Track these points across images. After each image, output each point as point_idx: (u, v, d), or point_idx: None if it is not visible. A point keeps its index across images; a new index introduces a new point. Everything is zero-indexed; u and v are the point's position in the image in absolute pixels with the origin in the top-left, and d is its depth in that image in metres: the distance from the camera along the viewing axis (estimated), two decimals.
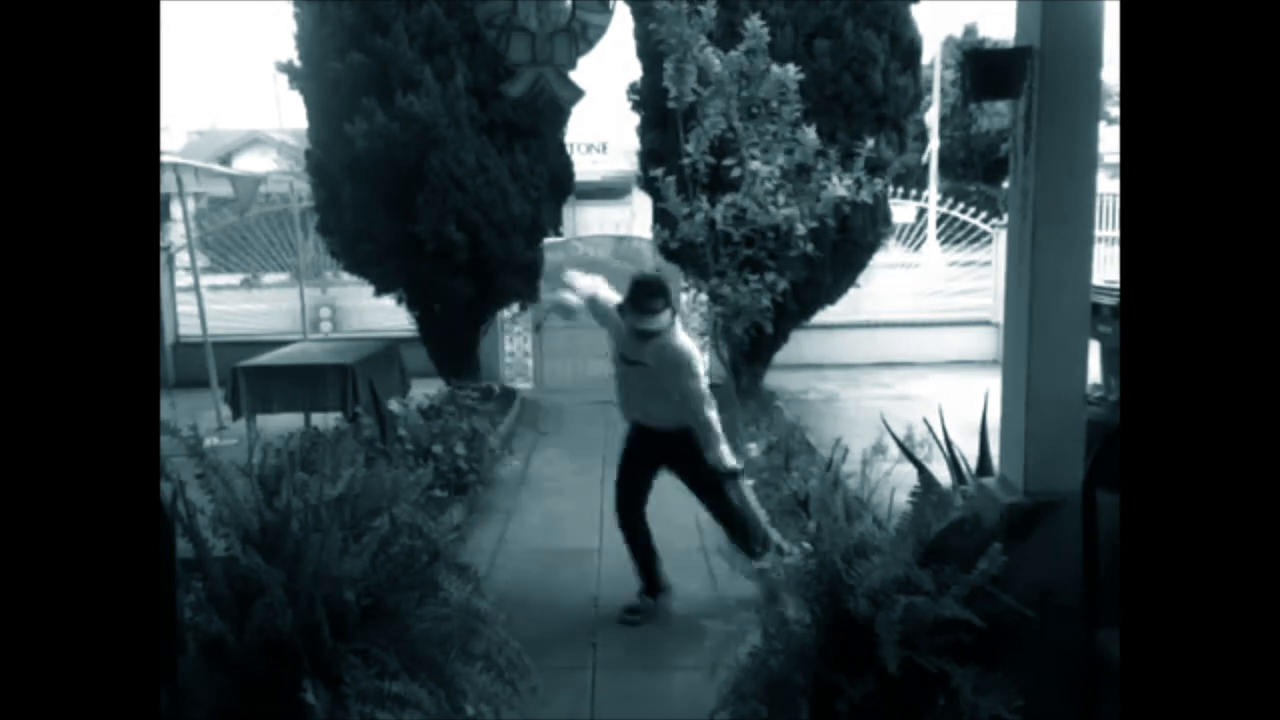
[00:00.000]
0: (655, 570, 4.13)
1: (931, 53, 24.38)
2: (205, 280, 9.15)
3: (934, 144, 23.54)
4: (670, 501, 5.72)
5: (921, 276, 11.34)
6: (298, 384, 6.69)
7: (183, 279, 10.21)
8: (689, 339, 4.00)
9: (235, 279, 11.49)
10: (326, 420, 6.60)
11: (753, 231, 6.59)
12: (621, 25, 7.02)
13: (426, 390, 7.47)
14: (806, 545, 2.80)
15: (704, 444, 3.85)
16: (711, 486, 4.01)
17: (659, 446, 4.05)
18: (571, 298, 4.11)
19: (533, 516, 5.44)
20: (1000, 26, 26.65)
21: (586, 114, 10.46)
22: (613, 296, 4.04)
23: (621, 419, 4.21)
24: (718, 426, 3.87)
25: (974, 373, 9.00)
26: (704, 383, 3.86)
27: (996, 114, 24.74)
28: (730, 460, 3.91)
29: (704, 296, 7.20)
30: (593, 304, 4.12)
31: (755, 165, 6.37)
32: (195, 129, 32.28)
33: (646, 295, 3.78)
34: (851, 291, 8.56)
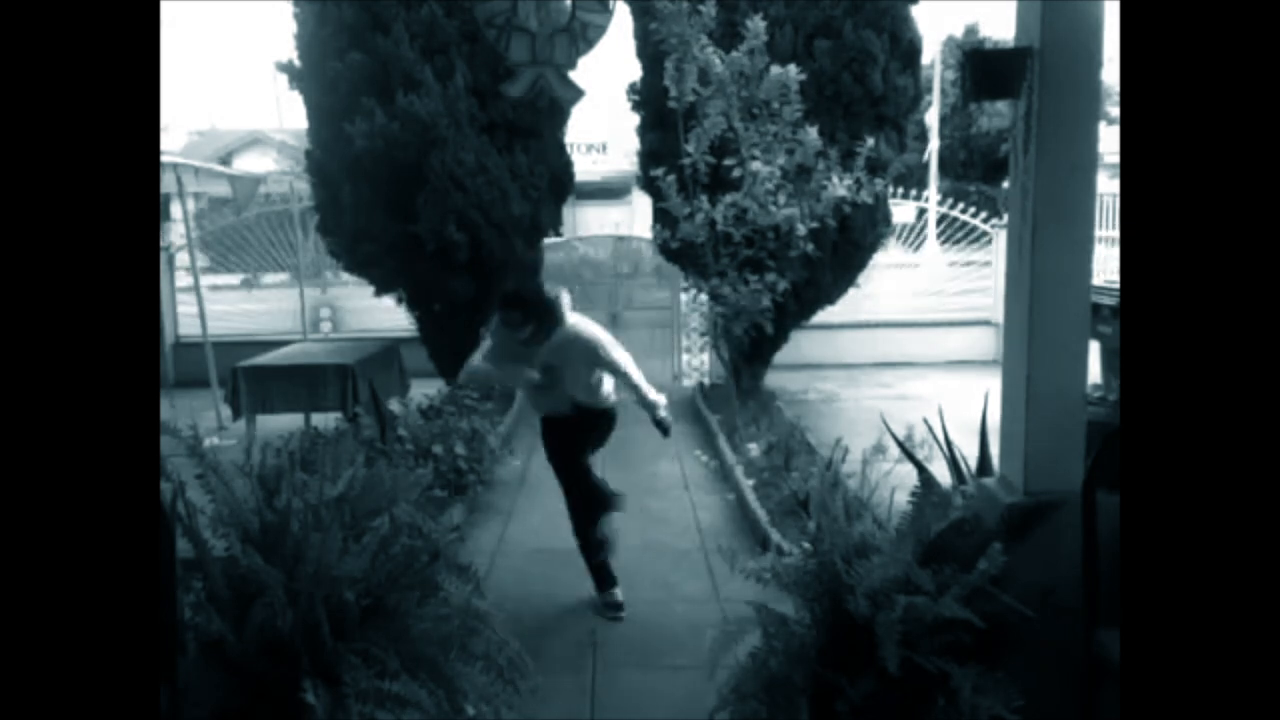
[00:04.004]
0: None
1: (931, 53, 24.40)
2: (205, 280, 9.15)
3: (934, 144, 23.55)
4: (668, 503, 5.73)
5: (921, 276, 11.35)
6: (298, 384, 6.69)
7: (183, 279, 10.21)
8: (588, 323, 4.05)
9: (235, 279, 11.48)
10: (326, 420, 6.59)
11: (753, 231, 6.59)
12: (621, 25, 7.03)
13: (426, 390, 7.46)
14: (806, 545, 2.80)
15: (641, 403, 3.97)
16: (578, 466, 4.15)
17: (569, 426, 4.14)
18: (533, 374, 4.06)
19: (533, 516, 5.44)
20: (1000, 26, 26.66)
21: (586, 114, 10.44)
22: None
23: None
24: (642, 381, 3.97)
25: (974, 373, 9.00)
26: (617, 350, 3.97)
27: (996, 114, 24.73)
28: (663, 409, 3.97)
29: (704, 296, 7.20)
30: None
31: (755, 165, 6.37)
32: (195, 129, 32.31)
33: (508, 309, 3.94)
34: (851, 291, 8.57)
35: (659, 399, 3.97)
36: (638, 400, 3.98)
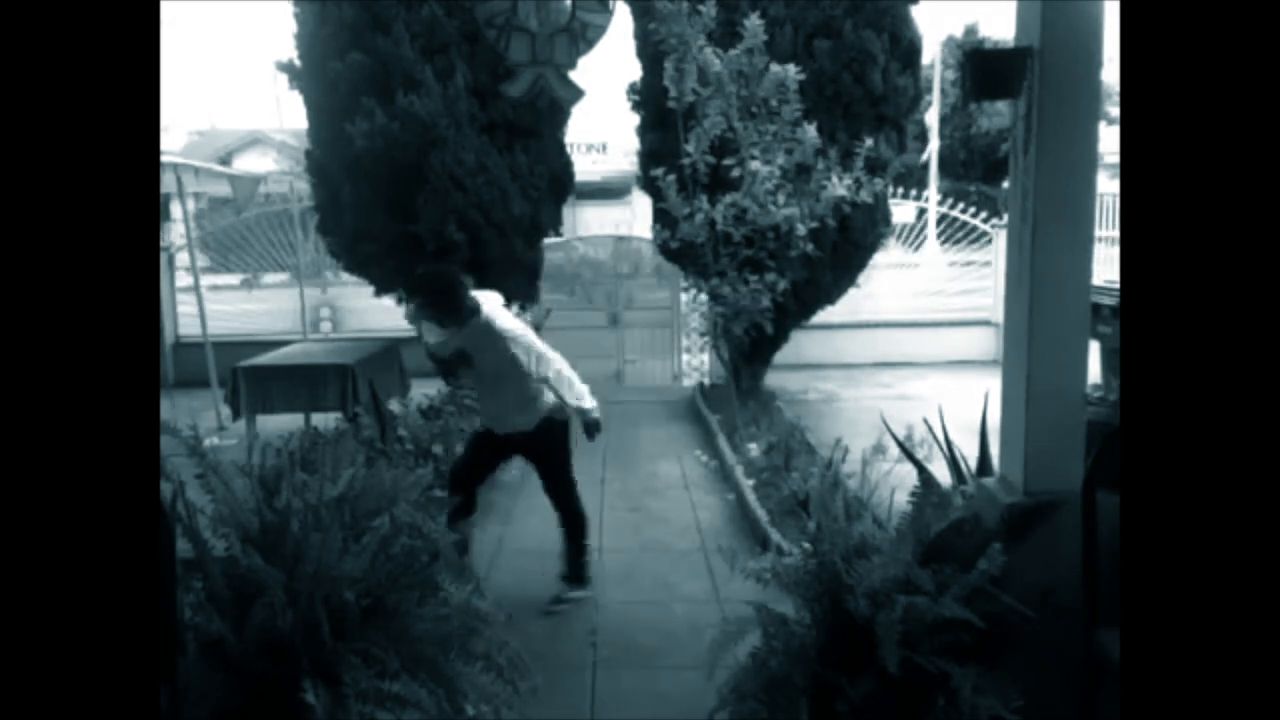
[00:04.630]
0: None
1: (931, 53, 24.41)
2: (205, 280, 9.15)
3: (934, 144, 23.57)
4: (668, 503, 5.73)
5: (921, 276, 11.35)
6: (298, 384, 6.69)
7: (183, 279, 10.21)
8: (500, 314, 3.95)
9: (235, 279, 11.48)
10: (326, 420, 6.59)
11: (753, 231, 6.59)
12: (621, 25, 7.03)
13: (426, 390, 7.46)
14: (806, 545, 2.80)
15: (563, 398, 3.94)
16: (560, 482, 4.19)
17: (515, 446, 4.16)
18: None
19: (532, 517, 5.43)
20: (1000, 26, 26.67)
21: (586, 114, 10.42)
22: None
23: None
24: (567, 373, 3.94)
25: (974, 373, 9.00)
26: (526, 342, 3.86)
27: (996, 114, 24.74)
28: (590, 402, 3.99)
29: (704, 296, 7.20)
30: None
31: (755, 165, 6.37)
32: (195, 129, 32.31)
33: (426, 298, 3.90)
34: (851, 291, 8.57)
35: (588, 402, 3.95)
36: (564, 404, 3.96)
